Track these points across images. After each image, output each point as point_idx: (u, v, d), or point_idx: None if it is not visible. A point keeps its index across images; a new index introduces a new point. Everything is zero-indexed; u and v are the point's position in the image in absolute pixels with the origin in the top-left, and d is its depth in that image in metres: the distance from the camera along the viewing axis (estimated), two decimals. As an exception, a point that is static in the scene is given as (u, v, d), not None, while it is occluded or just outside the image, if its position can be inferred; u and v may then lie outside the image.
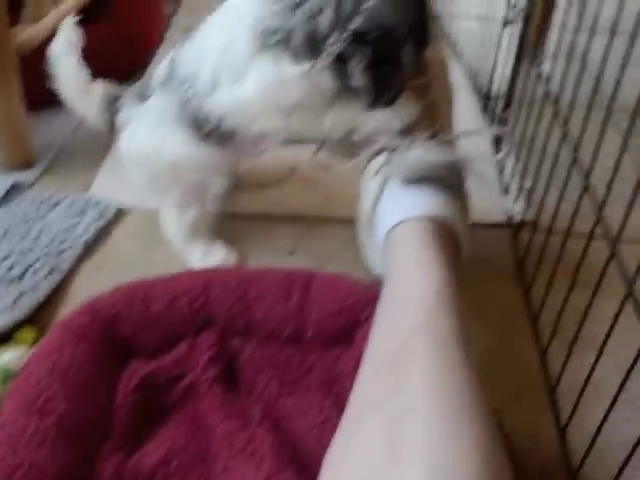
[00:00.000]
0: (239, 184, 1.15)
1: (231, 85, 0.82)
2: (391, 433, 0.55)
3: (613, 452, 0.77)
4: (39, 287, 0.93)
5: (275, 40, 0.77)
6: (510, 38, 1.26)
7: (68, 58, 0.95)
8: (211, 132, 0.87)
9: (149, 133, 0.92)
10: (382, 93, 0.78)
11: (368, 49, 0.74)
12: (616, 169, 0.70)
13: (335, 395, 0.76)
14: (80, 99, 0.98)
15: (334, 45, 0.74)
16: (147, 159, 0.94)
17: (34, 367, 0.72)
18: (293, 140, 0.90)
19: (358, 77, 0.76)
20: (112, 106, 0.96)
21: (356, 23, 0.73)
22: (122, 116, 0.95)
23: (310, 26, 0.75)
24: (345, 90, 0.80)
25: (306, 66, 0.77)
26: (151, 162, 0.94)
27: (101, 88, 0.97)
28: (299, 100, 0.81)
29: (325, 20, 0.74)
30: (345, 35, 0.73)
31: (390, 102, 0.80)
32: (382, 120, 0.83)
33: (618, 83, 0.71)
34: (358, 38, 0.73)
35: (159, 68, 0.93)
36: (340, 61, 0.76)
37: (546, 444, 0.81)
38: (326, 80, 0.78)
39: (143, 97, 0.93)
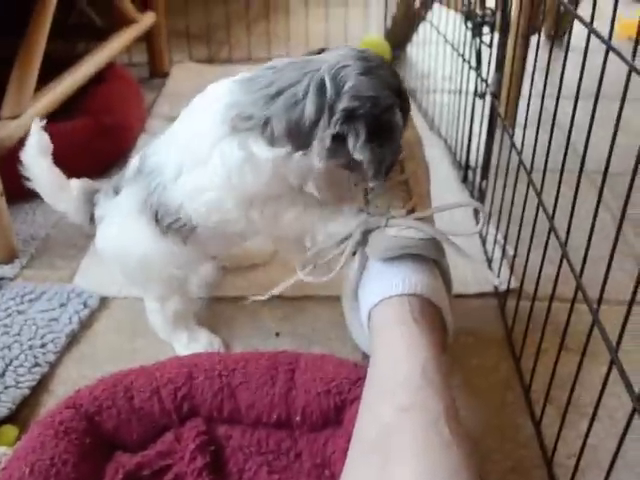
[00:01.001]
0: (224, 266, 1.15)
1: (192, 172, 0.82)
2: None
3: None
4: (22, 382, 0.91)
5: (248, 126, 0.77)
6: (483, 110, 1.28)
7: (41, 161, 0.95)
8: (171, 225, 0.87)
9: (119, 229, 0.92)
10: (381, 164, 0.77)
11: (362, 123, 0.74)
12: (591, 233, 0.70)
13: (328, 478, 0.75)
14: (57, 198, 0.98)
15: (329, 128, 0.74)
16: (119, 255, 0.94)
17: (15, 466, 0.70)
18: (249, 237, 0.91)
19: (360, 152, 0.74)
20: (90, 201, 0.96)
21: (345, 102, 0.73)
22: (97, 212, 0.95)
23: (294, 114, 0.75)
24: (345, 168, 0.80)
25: (283, 150, 0.77)
26: (123, 258, 0.94)
27: (77, 185, 0.97)
28: (263, 188, 0.80)
29: (310, 106, 0.74)
30: (338, 116, 0.73)
31: (387, 173, 0.79)
32: (338, 227, 0.83)
33: (586, 146, 0.72)
34: (350, 116, 0.74)
35: (131, 162, 0.93)
36: (335, 141, 0.75)
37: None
38: (320, 161, 0.77)
39: (116, 191, 0.93)
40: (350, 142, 0.74)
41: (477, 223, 1.28)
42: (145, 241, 0.89)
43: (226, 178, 0.79)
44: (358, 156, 0.75)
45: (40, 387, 0.94)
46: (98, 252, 0.98)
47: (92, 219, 0.97)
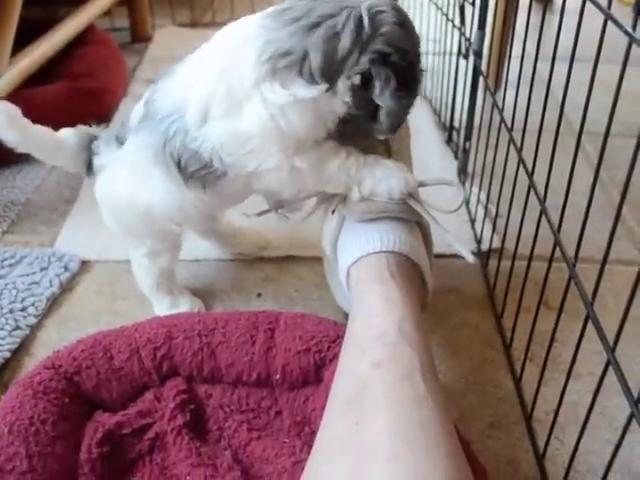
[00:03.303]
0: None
1: (226, 116, 0.75)
2: (356, 472, 0.54)
3: (596, 474, 0.77)
4: (2, 345, 0.91)
5: (287, 62, 0.71)
6: (467, 70, 1.27)
7: (18, 127, 0.88)
8: (196, 172, 0.80)
9: (125, 180, 0.87)
10: (399, 117, 0.74)
11: (390, 70, 0.71)
12: (567, 192, 0.70)
13: (308, 435, 0.75)
14: (51, 155, 0.93)
15: (357, 65, 0.71)
16: (122, 207, 0.89)
17: (-6, 427, 0.70)
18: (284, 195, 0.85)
19: (386, 99, 0.72)
20: (86, 149, 0.91)
21: (379, 44, 0.70)
22: (97, 161, 0.90)
23: (330, 47, 0.70)
24: (360, 117, 0.76)
25: (323, 87, 0.72)
26: (126, 210, 0.89)
27: (70, 135, 0.92)
28: (308, 131, 0.75)
29: (345, 41, 0.70)
30: (372, 56, 0.70)
31: (396, 129, 0.76)
32: (385, 171, 0.80)
33: (562, 106, 0.72)
34: (381, 59, 0.71)
35: (134, 110, 0.86)
36: (362, 83, 0.72)
37: (525, 473, 0.79)
38: (343, 104, 0.74)
39: (120, 140, 0.88)
40: (377, 86, 0.71)
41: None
42: (158, 189, 0.84)
43: (269, 123, 0.74)
44: (382, 102, 0.72)
45: (21, 350, 0.94)
46: (97, 201, 0.93)
47: (89, 167, 0.91)
